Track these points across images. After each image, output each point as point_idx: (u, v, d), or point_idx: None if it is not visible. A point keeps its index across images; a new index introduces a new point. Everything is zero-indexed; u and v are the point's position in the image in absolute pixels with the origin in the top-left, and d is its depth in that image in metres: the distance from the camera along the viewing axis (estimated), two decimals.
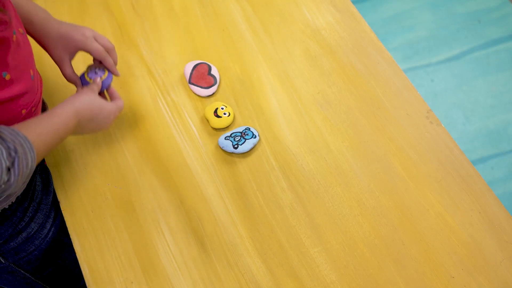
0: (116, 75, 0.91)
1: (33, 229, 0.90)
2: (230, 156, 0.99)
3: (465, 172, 0.98)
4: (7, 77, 0.70)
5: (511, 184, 1.88)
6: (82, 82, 0.89)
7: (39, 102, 0.81)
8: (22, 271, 0.94)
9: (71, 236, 0.91)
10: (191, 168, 0.97)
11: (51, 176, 0.96)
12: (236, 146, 0.97)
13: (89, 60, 0.95)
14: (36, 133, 0.70)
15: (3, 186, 0.64)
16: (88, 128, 0.82)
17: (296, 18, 1.17)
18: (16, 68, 0.72)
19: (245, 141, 0.98)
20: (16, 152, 0.64)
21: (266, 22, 1.16)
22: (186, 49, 1.12)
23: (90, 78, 0.88)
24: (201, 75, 1.06)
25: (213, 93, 1.06)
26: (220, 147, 0.99)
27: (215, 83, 1.06)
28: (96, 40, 0.87)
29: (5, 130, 0.65)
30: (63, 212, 0.93)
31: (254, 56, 1.11)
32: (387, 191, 0.96)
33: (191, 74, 1.06)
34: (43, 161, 0.96)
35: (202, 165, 0.98)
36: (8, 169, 0.64)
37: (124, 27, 1.14)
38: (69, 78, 0.89)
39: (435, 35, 2.22)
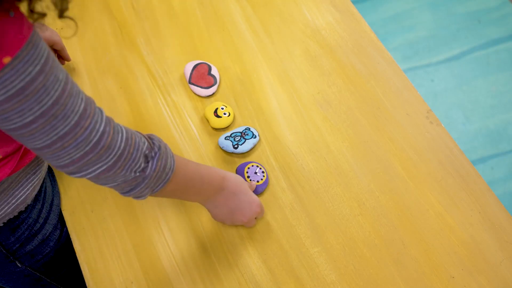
0: (68, 60, 1.04)
1: (48, 230, 0.91)
2: (230, 156, 0.99)
3: (465, 172, 0.98)
4: None
5: (511, 184, 1.88)
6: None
7: None
8: (38, 274, 0.94)
9: (71, 236, 0.91)
10: None
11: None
12: (236, 146, 0.97)
13: None
14: (182, 162, 0.75)
15: (138, 174, 0.66)
16: (230, 204, 0.85)
17: (296, 18, 1.17)
18: None
19: (245, 141, 0.98)
20: (159, 149, 0.68)
21: (266, 22, 1.16)
22: (186, 49, 1.12)
23: (249, 177, 0.93)
24: (201, 75, 1.06)
25: (213, 93, 1.06)
26: (220, 147, 0.99)
27: (215, 83, 1.06)
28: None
29: (155, 137, 0.71)
30: (63, 211, 0.94)
31: (254, 56, 1.11)
32: (387, 191, 0.96)
33: (191, 74, 1.06)
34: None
35: None
36: (146, 159, 0.67)
37: (124, 27, 1.14)
38: None
39: (435, 35, 2.22)
